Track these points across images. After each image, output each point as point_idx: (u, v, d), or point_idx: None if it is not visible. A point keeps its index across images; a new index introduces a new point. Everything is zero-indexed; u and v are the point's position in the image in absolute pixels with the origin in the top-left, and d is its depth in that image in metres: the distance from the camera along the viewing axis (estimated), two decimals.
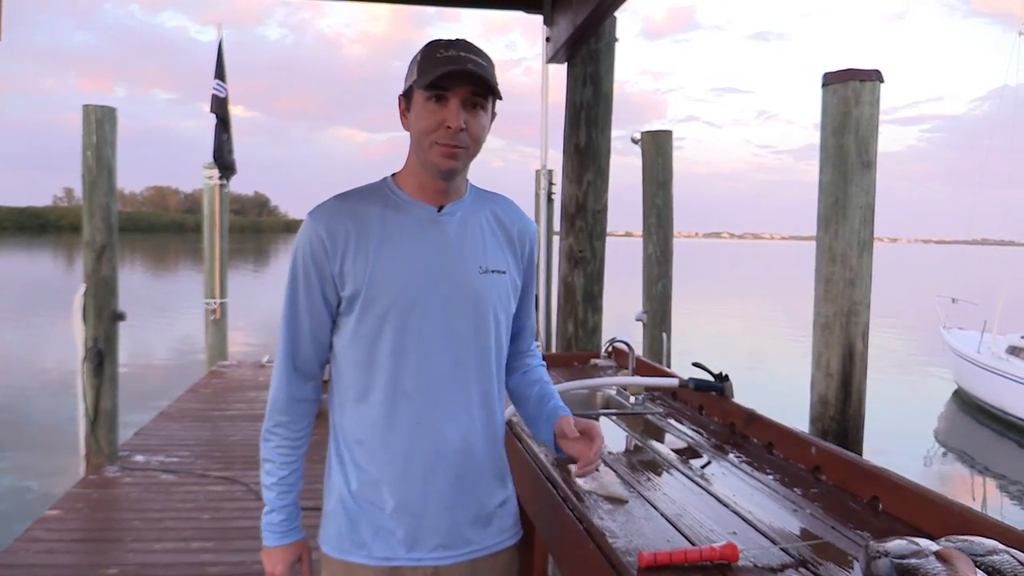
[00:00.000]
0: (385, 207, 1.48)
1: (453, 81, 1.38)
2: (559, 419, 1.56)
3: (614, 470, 1.90)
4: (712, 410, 2.44)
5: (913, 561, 1.13)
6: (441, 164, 1.43)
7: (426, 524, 1.49)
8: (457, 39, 1.43)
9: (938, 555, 1.13)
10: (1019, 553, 1.17)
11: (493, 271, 1.52)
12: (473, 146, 1.44)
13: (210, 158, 8.33)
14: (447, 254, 1.47)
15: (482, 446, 1.53)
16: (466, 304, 1.48)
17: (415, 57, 1.44)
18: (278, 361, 1.52)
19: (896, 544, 1.18)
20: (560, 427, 1.55)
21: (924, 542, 1.17)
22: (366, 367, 1.46)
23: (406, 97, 1.46)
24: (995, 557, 1.15)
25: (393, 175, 1.53)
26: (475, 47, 1.42)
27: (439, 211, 1.49)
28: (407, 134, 1.49)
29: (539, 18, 4.20)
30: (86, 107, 5.07)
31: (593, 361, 3.28)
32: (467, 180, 1.54)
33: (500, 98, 1.46)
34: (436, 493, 1.48)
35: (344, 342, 1.49)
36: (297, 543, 1.54)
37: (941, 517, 1.45)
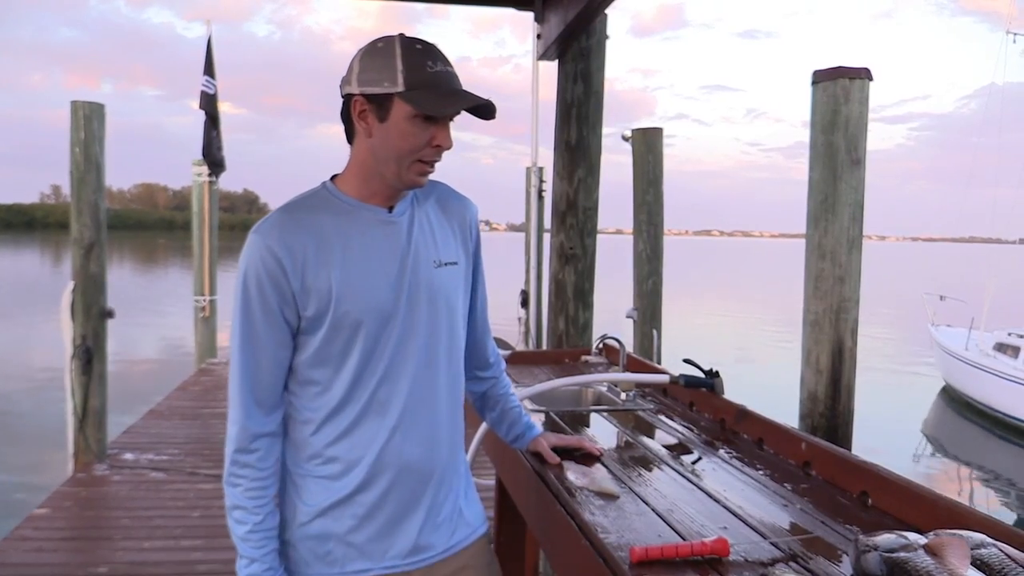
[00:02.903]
0: (337, 215, 1.40)
1: (458, 108, 1.34)
2: (535, 442, 1.82)
3: (605, 466, 1.91)
4: (703, 406, 2.45)
5: (902, 555, 1.14)
6: (418, 181, 1.40)
7: (400, 531, 1.45)
8: (429, 44, 1.36)
9: (927, 548, 1.14)
10: (1006, 546, 1.18)
11: (446, 263, 1.48)
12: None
13: (199, 155, 8.30)
14: (406, 255, 1.42)
15: (450, 445, 1.51)
16: (431, 303, 1.44)
17: (388, 57, 1.33)
18: (235, 397, 1.39)
19: (885, 538, 1.19)
20: (537, 451, 1.82)
21: (913, 536, 1.18)
22: (336, 382, 1.40)
23: (372, 100, 1.34)
24: (983, 551, 1.16)
25: (333, 179, 1.46)
26: (445, 55, 1.37)
27: (390, 212, 1.43)
28: None
29: (530, 15, 4.20)
30: (74, 103, 5.03)
31: (584, 358, 3.28)
32: None
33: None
34: (409, 498, 1.45)
35: (307, 361, 1.40)
36: None
37: (929, 511, 1.46)
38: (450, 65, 1.37)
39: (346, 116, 1.41)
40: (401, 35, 1.35)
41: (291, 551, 1.45)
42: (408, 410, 1.43)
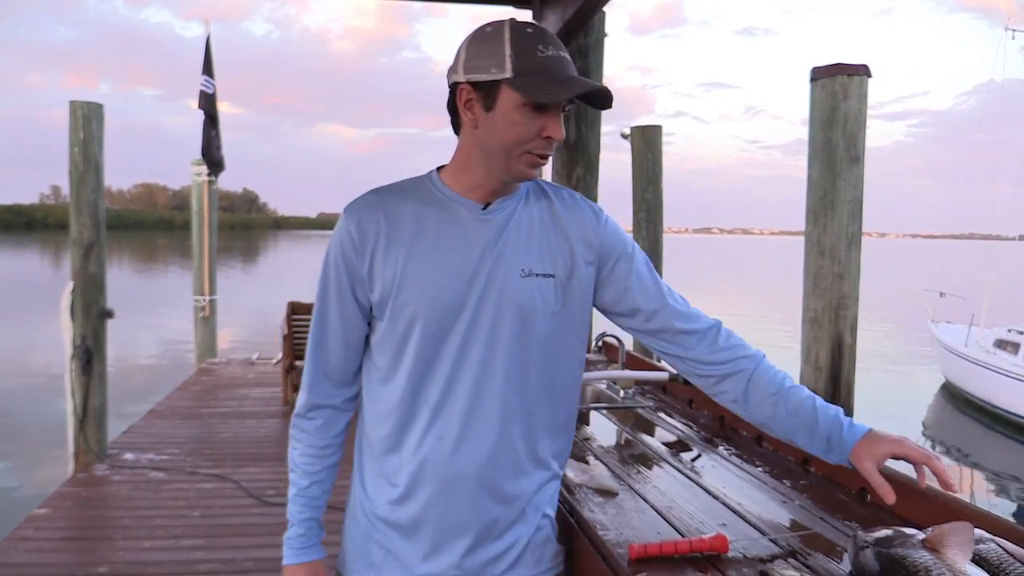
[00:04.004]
0: (424, 203, 1.34)
1: (568, 95, 1.25)
2: (856, 456, 1.31)
3: (604, 463, 1.91)
4: (702, 403, 2.45)
5: (900, 550, 1.14)
6: (529, 174, 1.30)
7: (443, 549, 1.35)
8: (541, 28, 1.28)
9: (925, 543, 1.14)
10: (1005, 542, 1.18)
11: (538, 275, 1.33)
12: None
13: (198, 154, 8.30)
14: (486, 256, 1.31)
15: (518, 468, 1.36)
16: (499, 310, 1.31)
17: (496, 42, 1.25)
18: (306, 366, 1.42)
19: (883, 534, 1.19)
20: (864, 466, 1.29)
21: (911, 531, 1.18)
22: (391, 374, 1.35)
23: (479, 88, 1.26)
24: (981, 546, 1.16)
25: (439, 169, 1.39)
26: (558, 40, 1.28)
27: (484, 208, 1.34)
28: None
29: (528, 13, 4.20)
30: (73, 103, 5.03)
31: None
32: None
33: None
34: (456, 516, 1.34)
35: (376, 346, 1.37)
36: (313, 563, 1.42)
37: (928, 507, 1.46)
38: (563, 50, 1.28)
39: (452, 106, 1.33)
40: (511, 20, 1.27)
41: (348, 543, 1.45)
42: (464, 421, 1.32)
